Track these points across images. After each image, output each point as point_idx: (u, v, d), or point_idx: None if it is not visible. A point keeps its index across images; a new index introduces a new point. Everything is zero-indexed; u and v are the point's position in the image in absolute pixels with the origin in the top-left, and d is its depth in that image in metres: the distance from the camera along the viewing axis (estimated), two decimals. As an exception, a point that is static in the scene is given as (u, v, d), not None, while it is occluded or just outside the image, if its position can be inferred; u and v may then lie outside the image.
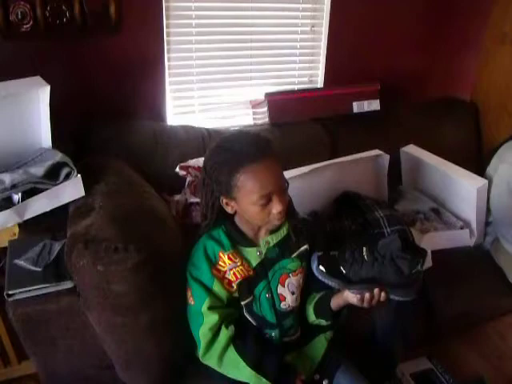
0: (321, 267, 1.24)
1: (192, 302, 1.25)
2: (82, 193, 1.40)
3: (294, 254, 1.33)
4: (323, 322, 1.35)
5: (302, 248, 1.34)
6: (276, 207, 1.17)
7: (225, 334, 1.22)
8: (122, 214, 1.28)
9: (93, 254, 1.11)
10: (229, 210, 1.24)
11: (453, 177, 1.99)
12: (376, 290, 1.18)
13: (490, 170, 2.02)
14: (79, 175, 1.40)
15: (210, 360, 1.25)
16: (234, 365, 1.23)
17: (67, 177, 1.40)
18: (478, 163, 2.44)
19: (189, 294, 1.26)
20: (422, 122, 2.46)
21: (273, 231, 1.30)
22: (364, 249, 1.22)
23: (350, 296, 1.22)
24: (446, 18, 2.53)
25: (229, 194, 1.19)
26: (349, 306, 1.28)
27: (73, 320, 1.24)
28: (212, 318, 1.22)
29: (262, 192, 1.15)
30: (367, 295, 1.19)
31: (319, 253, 1.27)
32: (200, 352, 1.25)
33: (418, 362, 1.90)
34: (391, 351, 1.64)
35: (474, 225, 1.99)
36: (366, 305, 1.20)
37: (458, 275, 1.92)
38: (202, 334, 1.23)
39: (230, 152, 1.17)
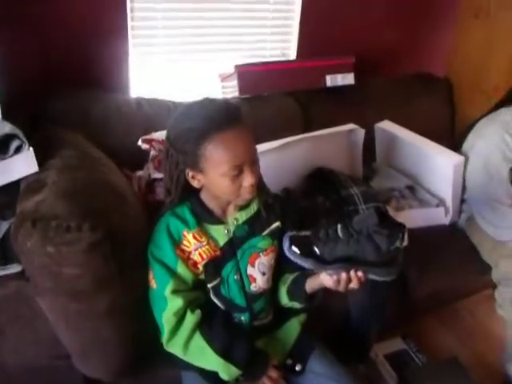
0: (293, 248, 1.15)
1: (154, 286, 1.15)
2: (35, 168, 1.27)
3: (265, 232, 1.25)
4: (296, 305, 1.28)
5: (274, 225, 1.26)
6: (247, 179, 1.09)
7: (190, 319, 1.14)
8: (77, 190, 1.16)
9: (42, 233, 1.01)
10: (195, 184, 1.14)
11: (429, 153, 1.94)
12: (352, 271, 1.11)
13: (466, 146, 1.98)
14: (31, 148, 1.27)
15: (175, 347, 1.17)
16: (201, 352, 1.15)
17: (18, 150, 1.27)
18: (451, 140, 2.41)
19: (150, 276, 1.17)
20: (396, 98, 2.41)
21: (242, 208, 1.22)
22: (339, 226, 1.14)
23: (326, 279, 1.14)
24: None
25: (195, 165, 1.09)
26: (324, 290, 1.21)
27: (22, 307, 1.15)
28: (176, 303, 1.13)
29: (233, 162, 1.06)
30: (343, 275, 1.11)
31: (291, 233, 1.18)
32: (164, 339, 1.17)
33: (391, 342, 1.88)
34: (366, 334, 1.61)
35: (449, 202, 1.96)
36: (341, 288, 1.13)
37: (432, 254, 1.88)
38: (166, 320, 1.14)
39: (196, 119, 1.08)
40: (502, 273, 1.81)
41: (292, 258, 1.16)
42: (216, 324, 1.18)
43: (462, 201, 1.99)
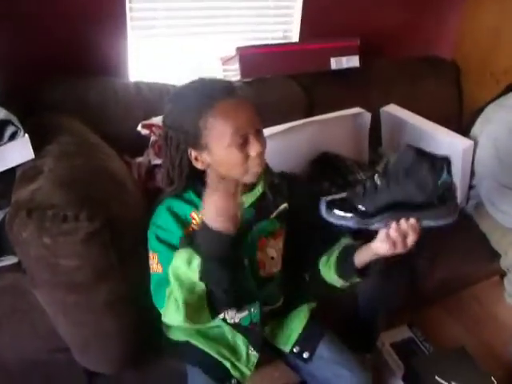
0: (333, 210, 1.07)
1: (159, 269, 1.07)
2: (31, 155, 1.22)
3: (273, 215, 1.20)
4: (355, 280, 1.21)
5: (281, 207, 1.21)
6: (254, 147, 1.04)
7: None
8: (74, 178, 1.12)
9: (37, 223, 0.97)
10: (199, 165, 1.10)
11: (436, 137, 1.89)
12: (403, 221, 0.99)
13: (474, 131, 1.93)
14: (27, 135, 1.22)
15: (168, 307, 1.04)
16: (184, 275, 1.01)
17: (13, 137, 1.23)
18: (459, 123, 2.38)
19: (154, 261, 1.08)
20: (402, 81, 2.37)
21: (247, 190, 1.16)
22: (376, 176, 1.05)
23: (381, 247, 1.04)
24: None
25: (197, 143, 1.05)
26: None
27: (19, 300, 1.13)
28: None
29: (236, 130, 1.02)
30: (394, 226, 1.00)
31: (326, 198, 1.11)
32: (162, 313, 1.07)
33: (398, 330, 1.86)
34: (373, 323, 1.59)
35: (457, 188, 1.91)
36: (400, 247, 1.01)
37: (440, 241, 1.83)
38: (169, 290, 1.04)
39: (192, 96, 1.05)
40: (512, 260, 1.78)
41: (334, 220, 1.08)
42: None
43: (471, 187, 1.96)
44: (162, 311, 1.07)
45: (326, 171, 1.73)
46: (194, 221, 1.12)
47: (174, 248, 1.07)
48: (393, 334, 1.83)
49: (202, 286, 0.99)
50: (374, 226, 1.04)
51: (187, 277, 0.99)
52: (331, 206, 1.08)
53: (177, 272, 1.00)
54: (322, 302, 1.37)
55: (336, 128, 1.82)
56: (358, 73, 2.20)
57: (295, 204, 1.24)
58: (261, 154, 1.06)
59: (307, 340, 1.29)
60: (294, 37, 2.28)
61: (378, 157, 2.08)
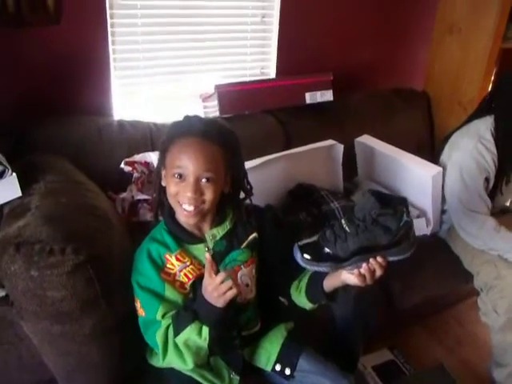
0: (305, 256, 1.15)
1: (143, 314, 1.16)
2: (19, 193, 1.28)
3: (243, 245, 1.27)
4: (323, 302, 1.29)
5: (251, 237, 1.29)
6: (185, 189, 1.13)
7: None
8: (60, 214, 1.17)
9: (25, 257, 1.01)
10: (164, 183, 1.21)
11: (407, 166, 1.98)
12: (371, 259, 1.11)
13: (443, 158, 2.02)
14: (14, 174, 1.28)
15: (172, 356, 1.14)
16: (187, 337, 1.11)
17: (0, 176, 1.28)
18: (431, 152, 2.45)
19: (138, 305, 1.17)
20: (375, 113, 2.45)
21: (217, 224, 1.25)
22: (343, 221, 1.14)
23: (349, 278, 1.15)
24: (396, 9, 2.56)
25: (163, 161, 1.18)
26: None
27: (6, 332, 1.15)
28: (169, 321, 1.14)
29: (176, 169, 1.13)
30: (364, 267, 1.11)
31: (298, 243, 1.18)
32: (161, 357, 1.16)
33: (379, 354, 1.91)
34: (353, 344, 1.60)
35: (430, 213, 1.99)
36: (368, 281, 1.12)
37: (415, 264, 1.88)
38: (159, 337, 1.13)
39: (177, 126, 1.19)
40: (483, 280, 1.85)
41: (308, 266, 1.16)
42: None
43: (443, 211, 2.03)
44: (160, 355, 1.15)
45: (302, 201, 1.79)
46: (168, 262, 1.19)
47: (153, 293, 1.16)
48: (374, 357, 1.87)
49: (206, 349, 1.12)
50: (346, 269, 1.14)
51: (195, 344, 1.11)
52: (304, 251, 1.16)
53: (187, 343, 1.11)
54: (301, 322, 1.40)
55: (310, 160, 1.89)
56: (332, 106, 2.28)
57: (264, 233, 1.32)
58: (190, 198, 1.13)
59: (287, 357, 1.32)
60: (272, 73, 2.37)
61: (353, 186, 2.15)
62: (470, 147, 1.85)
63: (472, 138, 1.87)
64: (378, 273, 1.13)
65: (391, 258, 1.13)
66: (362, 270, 1.12)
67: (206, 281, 1.09)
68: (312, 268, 1.16)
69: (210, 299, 1.08)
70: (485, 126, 1.89)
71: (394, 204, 1.11)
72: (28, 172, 1.35)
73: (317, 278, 1.25)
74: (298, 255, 1.17)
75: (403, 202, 1.12)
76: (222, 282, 1.06)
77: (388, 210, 1.09)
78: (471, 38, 2.47)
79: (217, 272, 1.09)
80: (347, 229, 1.12)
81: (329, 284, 1.22)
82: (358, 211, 1.12)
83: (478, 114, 1.98)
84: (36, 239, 1.05)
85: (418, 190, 2.00)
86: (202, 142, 1.14)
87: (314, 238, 1.17)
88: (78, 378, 1.22)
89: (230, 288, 1.05)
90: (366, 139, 2.19)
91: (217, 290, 1.06)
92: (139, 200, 1.62)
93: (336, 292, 1.25)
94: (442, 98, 2.68)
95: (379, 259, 1.12)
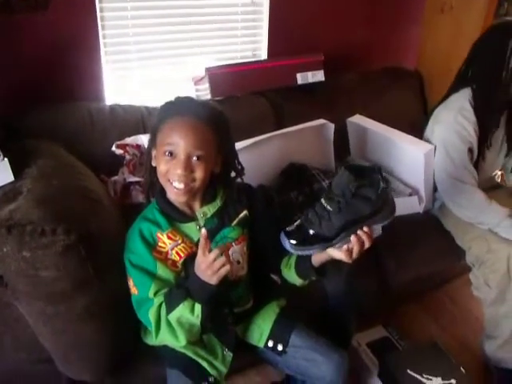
0: (292, 241, 1.16)
1: (136, 292, 1.18)
2: (11, 177, 1.29)
3: (234, 222, 1.29)
4: (313, 278, 1.31)
5: (242, 214, 1.31)
6: (175, 166, 1.14)
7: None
8: (51, 196, 1.19)
9: (17, 238, 1.03)
10: (154, 163, 1.22)
11: (399, 144, 1.99)
12: (359, 231, 1.13)
13: (427, 133, 2.02)
14: (6, 159, 1.28)
15: (164, 334, 1.17)
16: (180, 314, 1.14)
17: (-8, 161, 1.30)
18: (423, 131, 2.44)
19: (130, 283, 1.19)
20: (367, 92, 2.44)
21: (208, 202, 1.27)
22: (322, 200, 1.16)
23: (337, 254, 1.16)
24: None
25: (154, 141, 1.20)
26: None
27: (2, 313, 1.17)
28: (161, 298, 1.16)
29: (167, 146, 1.15)
30: (353, 239, 1.13)
31: (284, 230, 1.20)
32: (154, 335, 1.18)
33: (373, 330, 1.90)
34: (346, 321, 1.63)
35: (422, 191, 2.00)
36: (355, 254, 1.14)
37: (408, 242, 1.94)
38: (152, 315, 1.16)
39: (168, 106, 1.20)
40: (475, 255, 1.87)
41: (298, 252, 1.18)
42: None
43: (435, 189, 2.03)
44: (153, 332, 1.17)
45: (294, 181, 1.80)
46: (159, 241, 1.21)
47: (145, 271, 1.18)
48: (368, 334, 1.87)
49: (198, 326, 1.15)
50: (336, 246, 1.15)
51: (188, 321, 1.14)
52: (290, 236, 1.17)
53: (179, 320, 1.13)
54: (293, 299, 1.43)
55: (302, 139, 1.90)
56: (324, 87, 2.28)
57: (255, 211, 1.34)
58: (180, 175, 1.15)
59: (279, 333, 1.35)
60: (263, 55, 2.36)
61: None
62: (451, 120, 1.86)
63: (452, 110, 1.88)
64: (367, 244, 1.15)
65: (375, 226, 1.16)
66: (351, 245, 1.14)
67: (200, 258, 1.11)
68: (303, 253, 1.18)
69: (203, 277, 1.10)
70: (463, 97, 1.89)
71: (369, 174, 1.13)
72: (20, 157, 1.36)
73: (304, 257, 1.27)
74: (286, 243, 1.18)
75: (377, 171, 1.14)
76: (215, 260, 1.08)
77: (364, 181, 1.11)
78: (463, 16, 2.45)
79: (210, 250, 1.11)
80: (329, 207, 1.14)
81: (317, 259, 1.24)
82: (336, 188, 1.13)
83: (456, 86, 1.97)
84: (27, 221, 1.06)
85: (411, 168, 2.01)
86: (193, 122, 1.15)
87: (297, 223, 1.19)
88: (74, 356, 1.24)
89: (224, 265, 1.07)
90: (358, 119, 2.19)
91: (210, 267, 1.08)
92: (131, 182, 1.64)
93: (325, 267, 1.26)
94: (434, 76, 2.66)
95: (365, 229, 1.14)
